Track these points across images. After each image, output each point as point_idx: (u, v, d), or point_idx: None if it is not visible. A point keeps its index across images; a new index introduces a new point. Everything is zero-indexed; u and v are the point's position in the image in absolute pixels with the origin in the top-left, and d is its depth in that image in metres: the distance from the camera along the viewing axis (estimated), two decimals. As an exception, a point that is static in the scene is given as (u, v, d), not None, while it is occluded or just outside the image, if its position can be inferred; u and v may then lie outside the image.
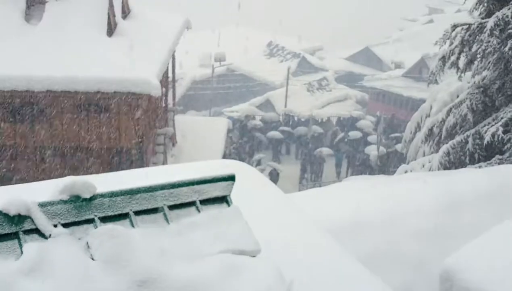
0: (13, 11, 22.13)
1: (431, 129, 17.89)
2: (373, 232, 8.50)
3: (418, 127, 21.63)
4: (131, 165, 21.84)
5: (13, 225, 3.74)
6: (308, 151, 35.65)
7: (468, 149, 15.22)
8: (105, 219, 3.99)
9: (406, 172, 17.89)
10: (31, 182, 6.35)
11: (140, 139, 22.28)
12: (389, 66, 62.08)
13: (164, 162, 24.66)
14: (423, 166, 17.43)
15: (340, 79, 59.62)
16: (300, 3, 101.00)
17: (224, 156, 28.36)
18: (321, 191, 11.98)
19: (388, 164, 33.64)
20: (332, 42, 74.37)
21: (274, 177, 30.44)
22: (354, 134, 37.56)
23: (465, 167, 15.01)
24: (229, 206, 4.40)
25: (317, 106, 48.72)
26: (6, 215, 3.72)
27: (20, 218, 3.75)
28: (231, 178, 4.46)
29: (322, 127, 39.15)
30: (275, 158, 36.68)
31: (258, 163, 32.06)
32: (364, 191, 10.52)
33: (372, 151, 34.27)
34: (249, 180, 6.39)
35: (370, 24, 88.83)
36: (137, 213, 4.10)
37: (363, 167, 33.99)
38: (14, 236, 3.73)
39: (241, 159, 29.67)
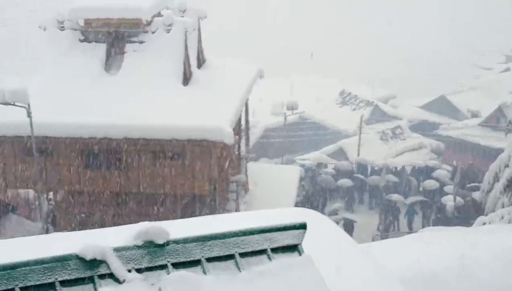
0: (94, 62, 23.06)
1: (510, 180, 17.29)
2: (447, 284, 8.22)
3: (497, 177, 20.95)
4: (203, 211, 22.03)
5: (89, 269, 3.82)
6: (383, 201, 34.99)
7: (550, 201, 14.61)
8: (177, 265, 4.02)
9: (484, 223, 17.29)
10: (107, 226, 6.49)
11: (213, 186, 22.49)
12: (465, 115, 60.84)
13: (236, 209, 24.77)
14: (502, 217, 16.81)
15: (414, 127, 58.81)
16: (373, 52, 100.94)
17: (296, 204, 28.22)
18: (395, 242, 11.72)
19: (466, 215, 32.61)
20: (406, 91, 73.71)
21: (349, 227, 29.97)
22: (430, 184, 36.71)
23: (547, 219, 14.38)
24: (300, 254, 4.36)
25: (391, 155, 48.05)
26: (82, 259, 3.81)
27: (95, 263, 3.83)
28: (303, 226, 4.43)
29: (396, 177, 38.50)
30: (348, 207, 36.21)
31: (334, 213, 31.69)
32: (439, 242, 10.22)
33: (448, 201, 33.38)
34: (321, 229, 6.32)
35: (445, 72, 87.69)
36: (209, 259, 4.12)
37: (439, 218, 33.10)
38: (89, 280, 3.81)
39: (313, 207, 29.44)
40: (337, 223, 28.89)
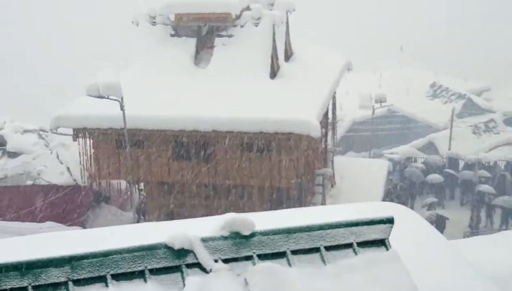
0: (184, 56, 23.52)
1: None
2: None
3: None
4: (289, 204, 22.08)
5: (177, 258, 3.91)
6: (476, 197, 33.86)
7: None
8: (263, 257, 4.06)
9: None
10: (195, 217, 6.62)
11: (299, 179, 22.50)
12: None
13: (323, 202, 24.68)
14: None
15: (509, 121, 56.70)
16: (465, 44, 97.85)
17: (384, 198, 27.82)
18: (487, 239, 11.34)
19: None
20: (500, 83, 70.99)
21: (440, 223, 29.20)
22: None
23: None
24: (387, 249, 4.30)
25: (483, 149, 46.55)
26: (171, 249, 3.91)
27: (183, 252, 3.92)
28: (390, 221, 4.36)
29: (489, 172, 37.20)
30: (439, 202, 35.30)
31: (432, 208, 30.98)
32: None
33: (545, 199, 32.01)
34: (409, 224, 6.21)
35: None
36: (294, 252, 4.13)
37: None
38: (177, 268, 3.90)
39: (402, 202, 28.90)
40: (431, 218, 28.18)
